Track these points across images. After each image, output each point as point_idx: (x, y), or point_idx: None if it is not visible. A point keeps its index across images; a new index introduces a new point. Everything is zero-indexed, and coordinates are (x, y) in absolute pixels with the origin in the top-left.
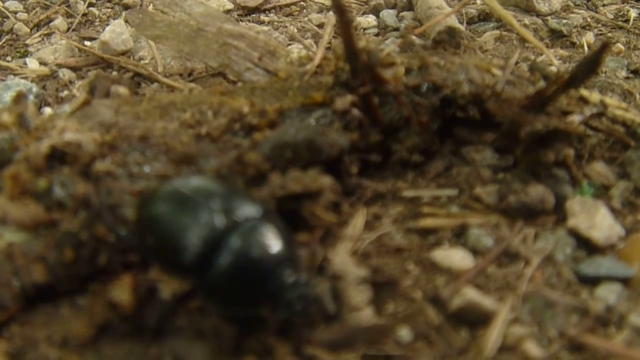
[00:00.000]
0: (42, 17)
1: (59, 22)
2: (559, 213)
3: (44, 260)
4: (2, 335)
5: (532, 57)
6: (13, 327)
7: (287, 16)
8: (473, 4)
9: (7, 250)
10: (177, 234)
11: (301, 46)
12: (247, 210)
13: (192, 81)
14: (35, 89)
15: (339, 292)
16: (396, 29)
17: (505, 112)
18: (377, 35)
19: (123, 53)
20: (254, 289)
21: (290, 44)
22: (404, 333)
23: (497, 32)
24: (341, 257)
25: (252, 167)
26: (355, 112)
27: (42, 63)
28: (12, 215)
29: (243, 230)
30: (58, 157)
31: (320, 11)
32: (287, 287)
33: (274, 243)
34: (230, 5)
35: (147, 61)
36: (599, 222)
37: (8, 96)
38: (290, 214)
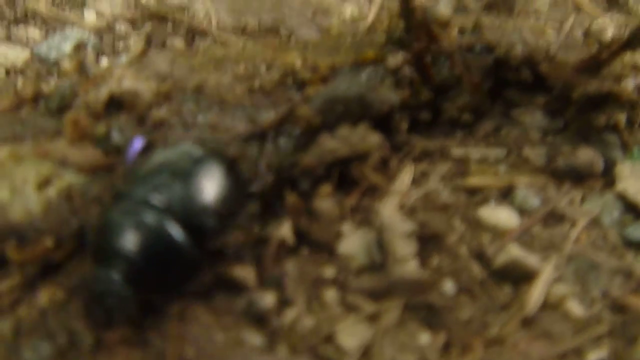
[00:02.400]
0: None
1: None
2: (608, 177)
3: (100, 201)
4: (61, 272)
5: (588, 23)
6: (71, 265)
7: None
8: None
9: (66, 191)
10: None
11: (355, 4)
12: (158, 200)
13: (245, 36)
14: (92, 40)
15: (385, 244)
16: None
17: (559, 74)
18: None
19: (178, 7)
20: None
21: (344, 2)
22: (448, 286)
23: None
24: (388, 211)
25: (303, 120)
26: (407, 69)
27: (100, 15)
28: (72, 158)
29: (120, 209)
30: (116, 104)
31: None
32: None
33: (118, 235)
34: None
35: (201, 16)
36: None
37: (66, 46)
38: (340, 175)
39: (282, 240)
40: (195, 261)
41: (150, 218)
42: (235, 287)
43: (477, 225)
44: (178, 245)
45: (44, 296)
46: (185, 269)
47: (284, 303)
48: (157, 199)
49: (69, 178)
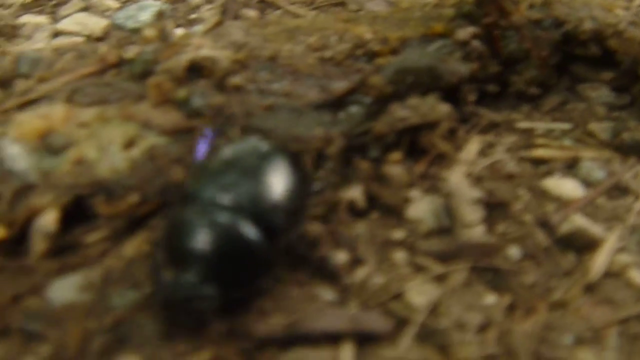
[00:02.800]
0: None
1: None
2: None
3: (182, 162)
4: (146, 226)
5: None
6: (155, 220)
7: None
8: None
9: (150, 151)
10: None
11: None
12: (228, 200)
13: (314, 9)
14: (167, 10)
15: (452, 209)
16: None
17: (627, 50)
18: None
19: None
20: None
21: None
22: (513, 251)
23: None
24: (456, 178)
25: (375, 89)
26: (476, 43)
27: None
28: (155, 121)
29: (191, 211)
30: (195, 70)
31: None
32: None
33: (192, 237)
34: None
35: None
36: None
37: (142, 16)
38: (409, 143)
39: (353, 203)
40: (269, 258)
41: (222, 219)
42: (310, 246)
43: (542, 195)
44: (252, 244)
45: (130, 248)
46: (260, 266)
47: (355, 262)
48: (227, 198)
49: (152, 139)
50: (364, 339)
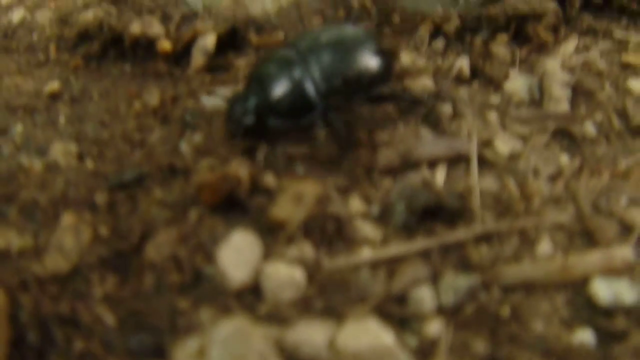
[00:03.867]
0: None
1: None
2: None
3: (321, 14)
4: None
5: None
6: None
7: None
8: None
9: (296, 1)
10: None
11: None
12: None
13: None
14: None
15: (544, 87)
16: None
17: None
18: None
19: None
20: None
21: None
22: (590, 127)
23: None
24: (551, 64)
25: None
26: None
27: None
28: None
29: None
30: None
31: None
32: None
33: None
34: None
35: None
36: None
37: None
38: (516, 30)
39: (460, 72)
40: (312, 106)
41: (291, 62)
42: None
43: (624, 92)
44: (303, 90)
45: None
46: (301, 109)
47: (455, 115)
48: (303, 49)
49: None
50: (454, 162)
